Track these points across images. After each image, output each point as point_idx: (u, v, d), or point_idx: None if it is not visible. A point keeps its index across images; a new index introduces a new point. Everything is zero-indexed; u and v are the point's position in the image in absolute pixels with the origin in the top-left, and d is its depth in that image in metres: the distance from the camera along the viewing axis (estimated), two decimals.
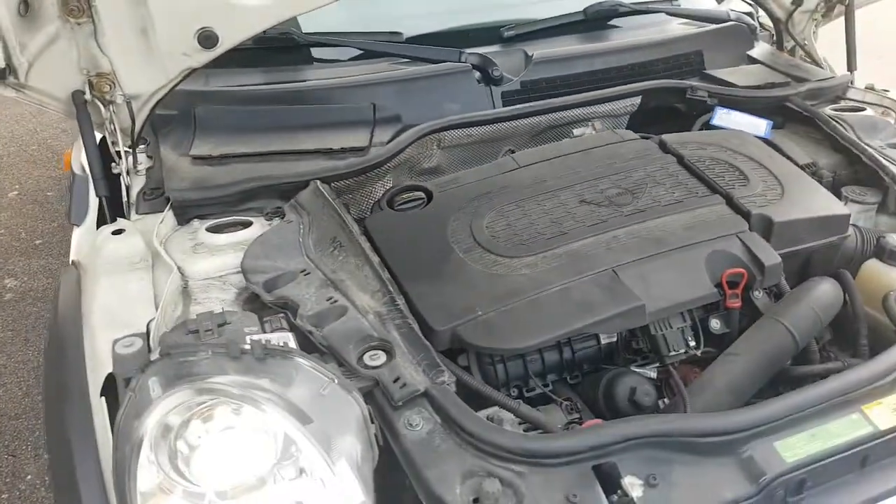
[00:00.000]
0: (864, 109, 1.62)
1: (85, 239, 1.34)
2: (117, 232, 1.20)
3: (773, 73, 1.73)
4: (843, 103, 1.67)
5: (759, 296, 1.13)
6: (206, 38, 1.24)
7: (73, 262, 1.33)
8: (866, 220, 1.38)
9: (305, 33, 1.54)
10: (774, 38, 1.95)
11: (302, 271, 1.10)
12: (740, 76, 1.68)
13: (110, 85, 1.26)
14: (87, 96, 1.25)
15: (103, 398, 0.98)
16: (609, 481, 0.87)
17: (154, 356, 0.91)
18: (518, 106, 1.46)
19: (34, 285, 2.86)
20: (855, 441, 0.91)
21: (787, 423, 0.92)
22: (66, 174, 3.90)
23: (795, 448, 0.90)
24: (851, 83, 1.73)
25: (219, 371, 0.88)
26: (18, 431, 2.14)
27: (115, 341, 1.02)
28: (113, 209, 1.30)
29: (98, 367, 1.02)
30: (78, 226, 1.39)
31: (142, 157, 1.39)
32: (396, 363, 0.95)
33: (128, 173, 1.35)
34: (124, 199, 1.31)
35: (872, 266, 1.20)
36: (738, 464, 0.89)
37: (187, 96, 1.42)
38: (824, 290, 1.13)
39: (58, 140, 4.21)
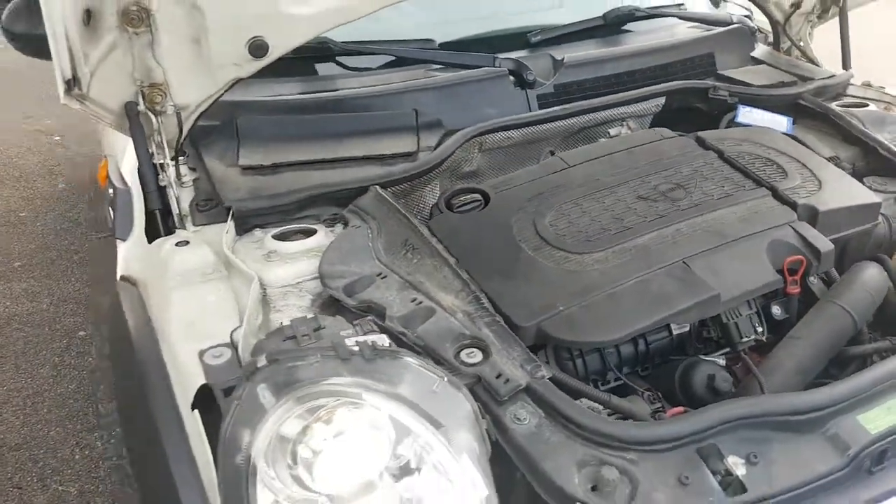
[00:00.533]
0: (867, 105, 1.72)
1: (134, 253, 1.32)
2: (181, 244, 1.19)
3: (779, 73, 1.81)
4: (845, 100, 1.76)
5: (814, 281, 1.19)
6: (258, 48, 1.24)
7: (123, 277, 1.32)
8: (886, 209, 1.45)
9: (340, 42, 1.54)
10: (771, 39, 2.05)
11: (378, 275, 1.11)
12: (752, 76, 1.76)
13: (161, 95, 1.25)
14: (141, 107, 1.24)
15: (196, 411, 0.98)
16: (711, 462, 0.91)
17: (261, 363, 0.91)
18: (557, 108, 1.50)
19: (18, 310, 2.77)
20: None
21: (865, 399, 0.98)
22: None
23: (876, 421, 0.96)
24: (850, 81, 1.83)
25: (330, 373, 0.89)
26: (21, 462, 2.06)
27: (202, 352, 1.01)
28: (164, 222, 1.29)
29: (184, 380, 1.01)
30: (124, 240, 1.36)
31: (184, 170, 1.38)
32: (495, 360, 0.97)
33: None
34: (175, 211, 1.30)
35: None
36: (826, 439, 0.94)
37: (228, 107, 1.41)
38: (872, 274, 1.20)
39: (24, 159, 4.09)
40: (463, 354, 0.98)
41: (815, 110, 1.65)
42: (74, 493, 1.97)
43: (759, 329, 1.15)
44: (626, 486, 0.87)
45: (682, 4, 1.98)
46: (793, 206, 1.25)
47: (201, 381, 0.98)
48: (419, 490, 0.86)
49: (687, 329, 1.15)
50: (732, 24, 1.93)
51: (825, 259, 1.17)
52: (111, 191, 1.41)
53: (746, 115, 1.60)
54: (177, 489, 0.94)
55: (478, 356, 0.98)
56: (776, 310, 1.18)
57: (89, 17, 1.11)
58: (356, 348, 0.92)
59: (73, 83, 1.12)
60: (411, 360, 0.93)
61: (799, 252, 1.17)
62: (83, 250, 3.17)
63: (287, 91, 1.50)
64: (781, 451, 0.93)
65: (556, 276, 1.12)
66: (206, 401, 0.97)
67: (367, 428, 0.87)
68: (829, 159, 1.48)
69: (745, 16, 2.06)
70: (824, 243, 1.18)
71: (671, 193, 1.27)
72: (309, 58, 1.55)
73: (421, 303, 1.05)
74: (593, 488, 0.87)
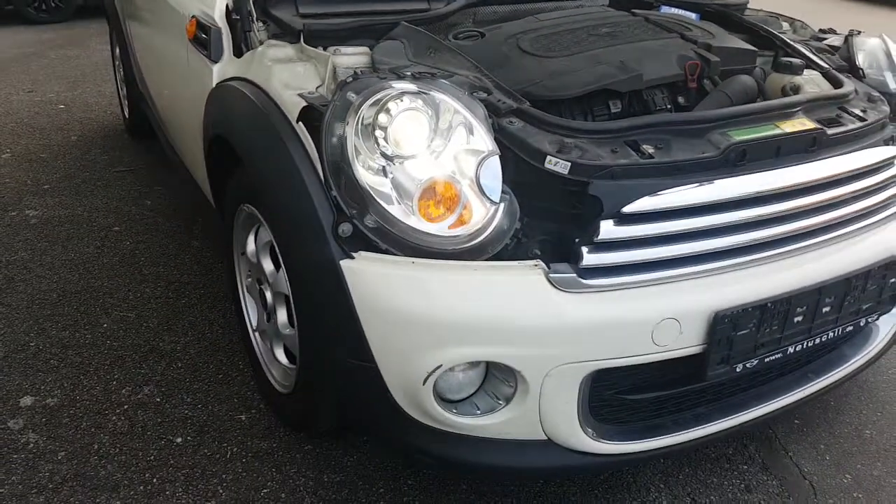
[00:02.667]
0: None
1: (228, 66, 1.83)
2: (270, 46, 1.69)
3: None
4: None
5: (707, 83, 1.75)
6: None
7: (219, 84, 1.81)
8: (762, 65, 2.02)
9: None
10: None
11: (411, 64, 1.63)
12: None
13: None
14: None
15: (300, 123, 1.47)
16: (631, 146, 1.43)
17: (347, 79, 1.41)
18: None
19: (56, 214, 3.18)
20: (772, 136, 1.50)
21: (732, 123, 1.51)
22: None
23: (739, 134, 1.48)
24: (747, 4, 2.43)
25: (393, 81, 1.40)
26: (84, 299, 2.47)
27: (300, 94, 1.50)
28: (249, 45, 1.79)
29: (290, 110, 1.50)
30: (216, 62, 1.87)
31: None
32: (495, 95, 1.49)
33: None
34: (257, 38, 1.80)
35: (774, 75, 1.84)
36: (706, 140, 1.46)
37: None
38: (745, 78, 1.76)
39: (35, 120, 4.50)
40: (475, 94, 1.50)
41: (716, 14, 2.24)
42: (133, 316, 2.39)
43: (669, 107, 1.69)
44: (579, 150, 1.39)
45: None
46: (694, 42, 1.81)
47: (303, 104, 1.47)
48: (454, 147, 1.37)
49: (619, 108, 1.67)
50: None
51: (714, 66, 1.72)
52: (203, 34, 1.91)
53: (665, 10, 2.18)
54: (298, 169, 1.42)
55: (484, 94, 1.50)
56: (680, 99, 1.72)
57: None
58: (408, 73, 1.44)
59: None
60: (444, 80, 1.45)
61: (696, 60, 1.72)
62: (104, 179, 3.59)
63: None
64: (677, 144, 1.45)
65: (534, 67, 1.65)
66: (307, 117, 1.46)
67: (420, 107, 1.37)
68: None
69: None
70: (713, 56, 1.73)
71: (612, 33, 1.82)
72: None
73: (444, 71, 1.57)
74: (558, 150, 1.39)
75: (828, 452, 1.84)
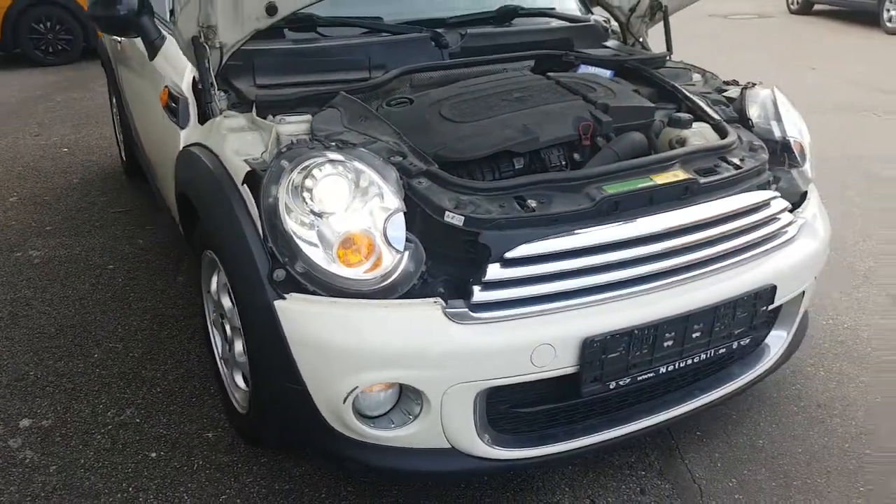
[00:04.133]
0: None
1: (193, 132, 2.13)
2: (227, 116, 2.00)
3: (619, 52, 2.70)
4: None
5: (600, 140, 2.03)
6: (271, 9, 2.08)
7: (185, 147, 2.11)
8: (664, 117, 2.29)
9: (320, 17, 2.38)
10: (621, 38, 2.96)
11: (344, 131, 1.92)
12: (595, 52, 2.64)
13: (213, 34, 2.06)
14: (202, 40, 2.05)
15: (245, 185, 1.76)
16: (518, 201, 1.71)
17: (282, 150, 1.71)
18: (462, 59, 2.35)
19: (56, 254, 3.49)
20: (645, 188, 1.78)
21: (608, 178, 1.79)
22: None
23: (612, 188, 1.76)
24: (669, 57, 2.70)
25: (321, 150, 1.70)
26: (77, 332, 2.76)
27: (246, 160, 1.80)
28: (213, 113, 2.09)
29: (238, 174, 1.80)
30: (184, 128, 2.17)
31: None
32: (409, 159, 1.78)
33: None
34: (217, 107, 2.09)
35: (666, 129, 2.12)
36: (585, 194, 1.74)
37: (247, 53, 2.22)
38: (635, 134, 2.04)
39: (40, 163, 4.83)
40: (391, 158, 1.78)
41: (630, 70, 2.53)
42: (120, 347, 2.68)
43: (564, 163, 1.97)
44: (473, 205, 1.67)
45: (553, 8, 2.87)
46: (594, 103, 2.09)
47: (247, 169, 1.76)
48: (375, 204, 1.65)
49: (522, 166, 1.95)
50: (589, 21, 2.83)
51: (605, 125, 2.00)
52: (173, 103, 2.21)
53: (583, 69, 2.47)
54: (241, 225, 1.71)
55: (399, 158, 1.78)
56: (576, 155, 2.00)
57: None
58: (333, 144, 1.73)
59: (172, 13, 1.93)
60: (363, 149, 1.74)
61: (589, 121, 2.00)
62: (102, 219, 3.91)
63: (284, 46, 2.33)
64: (558, 199, 1.73)
65: (449, 131, 1.94)
66: (250, 180, 1.75)
67: (342, 172, 1.66)
68: (633, 90, 2.34)
69: (605, 20, 2.97)
70: (606, 117, 2.01)
71: (522, 97, 2.11)
72: (299, 28, 2.37)
73: (369, 137, 1.86)
74: (456, 206, 1.66)
75: (721, 460, 2.09)
